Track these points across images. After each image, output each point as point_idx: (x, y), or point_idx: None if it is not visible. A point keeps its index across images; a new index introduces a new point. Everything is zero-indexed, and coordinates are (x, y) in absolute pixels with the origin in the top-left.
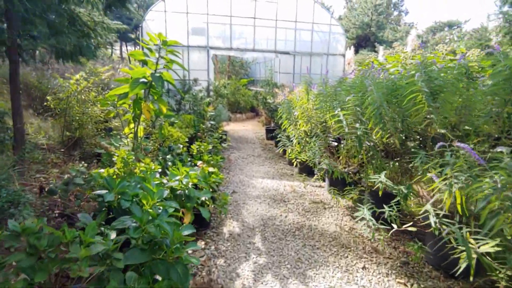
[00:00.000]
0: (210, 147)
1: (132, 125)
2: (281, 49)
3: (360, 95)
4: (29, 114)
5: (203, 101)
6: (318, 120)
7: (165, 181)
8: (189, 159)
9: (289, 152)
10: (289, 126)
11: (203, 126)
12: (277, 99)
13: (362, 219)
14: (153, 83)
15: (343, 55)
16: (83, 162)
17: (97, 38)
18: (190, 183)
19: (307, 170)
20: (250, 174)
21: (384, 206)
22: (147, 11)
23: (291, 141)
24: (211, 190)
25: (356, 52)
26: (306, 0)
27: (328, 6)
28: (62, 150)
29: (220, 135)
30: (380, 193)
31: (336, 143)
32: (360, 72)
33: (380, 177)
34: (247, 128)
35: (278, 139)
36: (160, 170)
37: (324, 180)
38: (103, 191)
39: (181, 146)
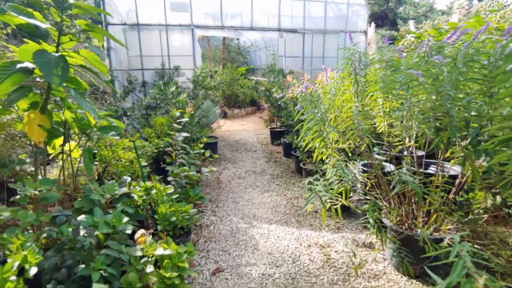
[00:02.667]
0: (170, 189)
1: (59, 141)
2: (287, 26)
3: None
4: None
5: (177, 98)
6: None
7: None
8: (130, 210)
9: (327, 207)
10: (323, 148)
11: (171, 141)
12: (288, 94)
13: None
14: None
15: (365, 32)
16: None
17: None
18: None
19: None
20: (249, 213)
21: None
22: None
23: (323, 174)
24: None
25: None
26: None
27: None
28: None
29: (202, 151)
30: None
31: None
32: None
33: None
34: (246, 128)
35: (309, 187)
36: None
37: (380, 238)
38: None
39: (129, 179)
